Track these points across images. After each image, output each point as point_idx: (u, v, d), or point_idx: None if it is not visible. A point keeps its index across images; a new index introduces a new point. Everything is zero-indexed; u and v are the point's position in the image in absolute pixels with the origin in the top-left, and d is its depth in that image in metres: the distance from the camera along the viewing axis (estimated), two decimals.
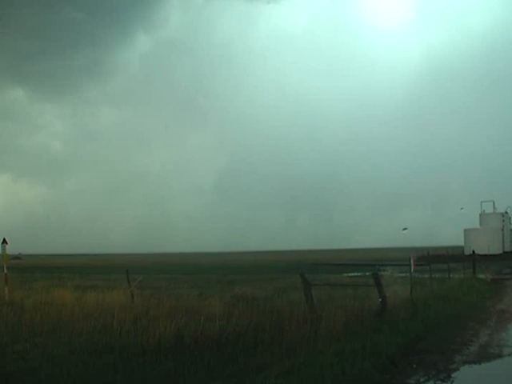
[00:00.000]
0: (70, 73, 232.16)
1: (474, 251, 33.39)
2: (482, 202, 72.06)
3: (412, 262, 16.64)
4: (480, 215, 71.95)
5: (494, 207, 71.17)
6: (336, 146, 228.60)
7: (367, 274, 28.71)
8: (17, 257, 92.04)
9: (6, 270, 16.58)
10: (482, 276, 27.76)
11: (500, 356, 9.21)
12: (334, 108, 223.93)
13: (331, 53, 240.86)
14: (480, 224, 71.46)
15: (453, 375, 7.89)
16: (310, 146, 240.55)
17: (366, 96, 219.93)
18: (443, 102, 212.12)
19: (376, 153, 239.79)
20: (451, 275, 24.23)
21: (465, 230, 71.20)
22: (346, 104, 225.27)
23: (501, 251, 65.62)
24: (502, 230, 69.16)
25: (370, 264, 43.27)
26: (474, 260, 30.72)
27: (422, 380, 7.61)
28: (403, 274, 24.20)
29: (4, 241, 16.96)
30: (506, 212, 70.67)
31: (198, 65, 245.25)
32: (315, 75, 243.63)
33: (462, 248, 66.10)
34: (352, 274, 35.46)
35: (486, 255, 46.15)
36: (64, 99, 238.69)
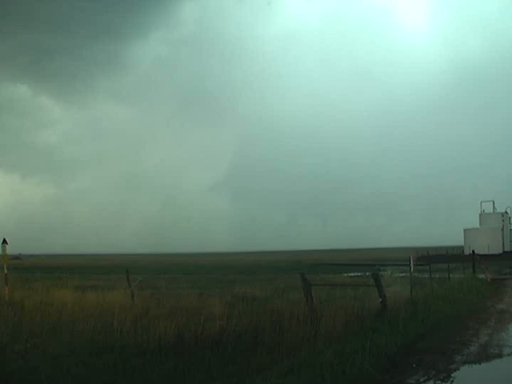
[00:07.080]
0: (79, 69, 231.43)
1: (473, 251, 33.37)
2: (481, 202, 72.10)
3: (412, 261, 16.61)
4: (480, 215, 71.92)
5: (494, 207, 71.17)
6: (341, 146, 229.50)
7: (367, 274, 28.75)
8: (17, 257, 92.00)
9: (6, 270, 16.57)
10: (481, 276, 27.77)
11: (500, 356, 9.20)
12: (343, 105, 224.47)
13: (345, 51, 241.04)
14: (480, 224, 71.42)
15: (453, 375, 7.88)
16: (320, 145, 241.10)
17: (382, 96, 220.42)
18: (466, 113, 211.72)
19: (382, 155, 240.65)
20: (451, 275, 24.23)
21: (465, 230, 71.17)
22: (356, 101, 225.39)
23: (501, 251, 65.58)
24: (502, 229, 69.14)
25: (370, 264, 43.35)
26: (474, 260, 30.72)
27: (421, 380, 7.61)
28: (403, 274, 24.23)
29: (4, 241, 16.95)
30: (506, 212, 70.64)
31: (208, 63, 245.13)
32: (326, 74, 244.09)
33: (461, 248, 66.11)
34: (352, 274, 35.51)
35: (485, 255, 46.13)
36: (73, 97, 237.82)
